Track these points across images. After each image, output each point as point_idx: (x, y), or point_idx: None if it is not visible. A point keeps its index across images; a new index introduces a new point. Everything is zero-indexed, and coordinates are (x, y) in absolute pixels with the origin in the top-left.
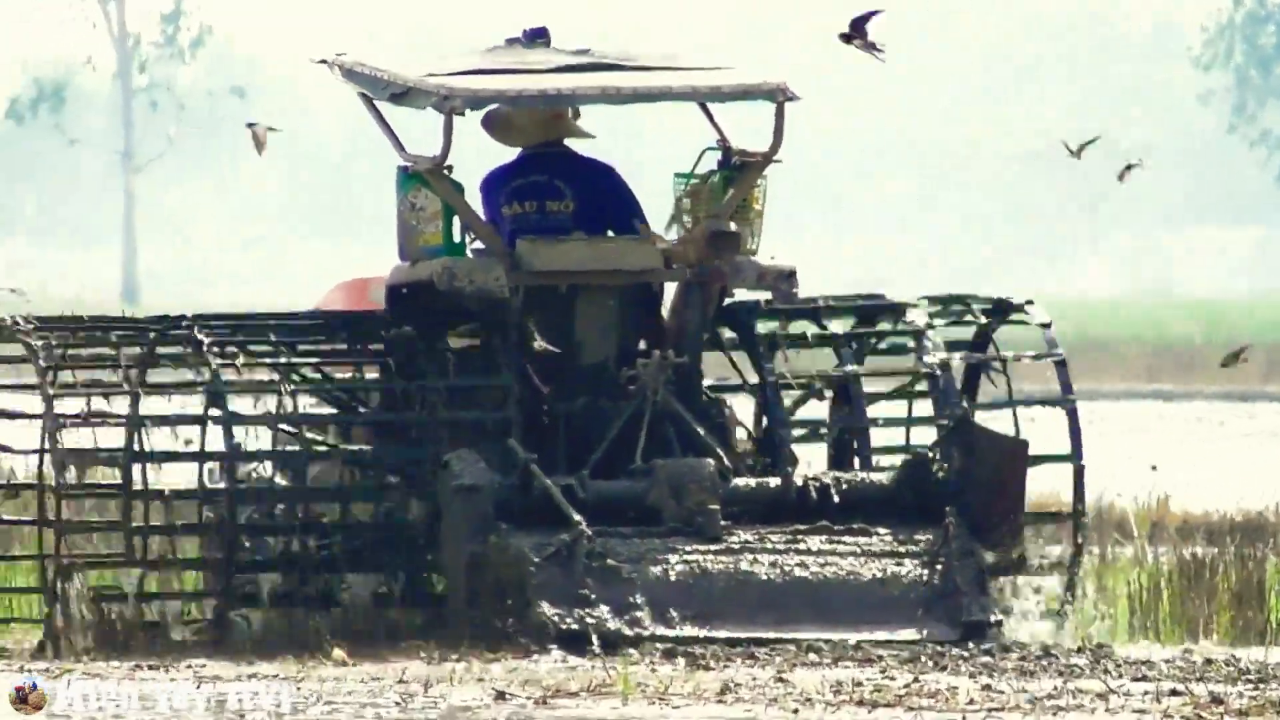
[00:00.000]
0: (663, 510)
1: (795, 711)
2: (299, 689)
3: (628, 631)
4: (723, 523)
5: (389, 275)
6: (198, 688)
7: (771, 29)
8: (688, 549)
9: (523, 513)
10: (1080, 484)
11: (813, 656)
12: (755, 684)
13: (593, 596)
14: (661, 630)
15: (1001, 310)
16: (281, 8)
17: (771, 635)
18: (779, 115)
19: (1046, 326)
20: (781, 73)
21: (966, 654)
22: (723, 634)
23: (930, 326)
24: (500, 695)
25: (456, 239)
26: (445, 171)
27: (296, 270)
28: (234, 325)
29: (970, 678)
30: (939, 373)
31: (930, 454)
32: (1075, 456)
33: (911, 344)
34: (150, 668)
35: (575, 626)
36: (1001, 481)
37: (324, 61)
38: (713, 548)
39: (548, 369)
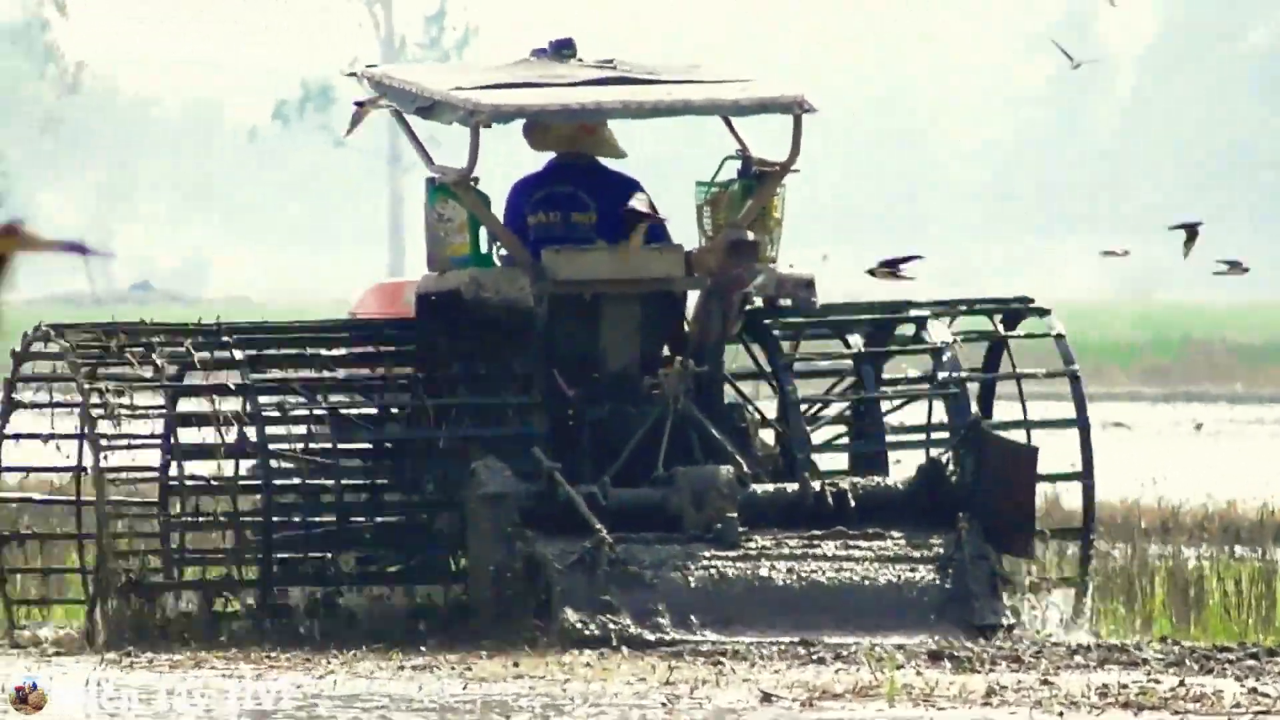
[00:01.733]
0: (683, 517)
1: (1060, 715)
2: (564, 690)
3: (649, 636)
4: (741, 529)
5: (419, 283)
6: (464, 688)
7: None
8: (707, 555)
9: (547, 519)
10: (1090, 502)
11: (1078, 659)
12: (1020, 687)
13: (615, 602)
14: (682, 635)
15: (1016, 317)
16: (546, 6)
17: (789, 639)
18: (797, 127)
19: (1061, 338)
20: (797, 81)
21: (1233, 657)
22: (743, 639)
23: (948, 345)
24: (766, 697)
25: (483, 249)
26: (472, 183)
27: None
28: (267, 334)
29: (1236, 680)
30: (955, 389)
31: (944, 460)
32: (1086, 475)
33: (930, 359)
34: (415, 668)
35: (598, 632)
36: (1012, 486)
37: (354, 74)
38: (731, 554)
39: (574, 375)
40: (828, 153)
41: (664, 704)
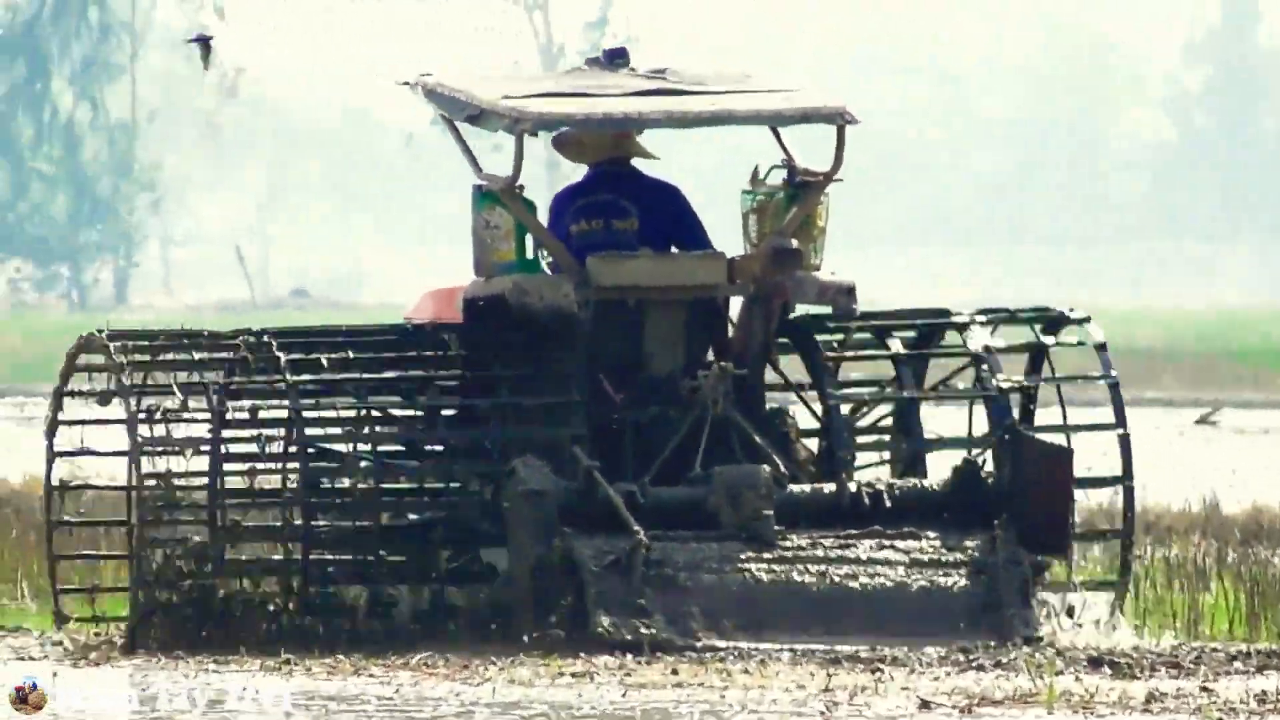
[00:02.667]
0: (720, 516)
1: None
2: (722, 697)
3: (680, 641)
4: (777, 528)
5: (466, 288)
6: (624, 695)
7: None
8: (742, 557)
9: (586, 518)
10: (1130, 503)
11: (1237, 665)
12: (1180, 694)
13: (648, 606)
14: (713, 640)
15: (1057, 325)
16: (703, 14)
17: (820, 645)
18: (840, 137)
19: (1102, 348)
20: (843, 93)
21: None
22: (772, 644)
23: (989, 351)
24: (925, 704)
25: (529, 255)
26: (518, 190)
27: None
28: (311, 340)
29: None
30: (996, 394)
31: (980, 461)
32: (1126, 478)
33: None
34: (575, 675)
35: (629, 637)
36: (1048, 487)
37: (407, 83)
38: (766, 555)
39: (618, 379)
40: (997, 154)
41: (822, 712)
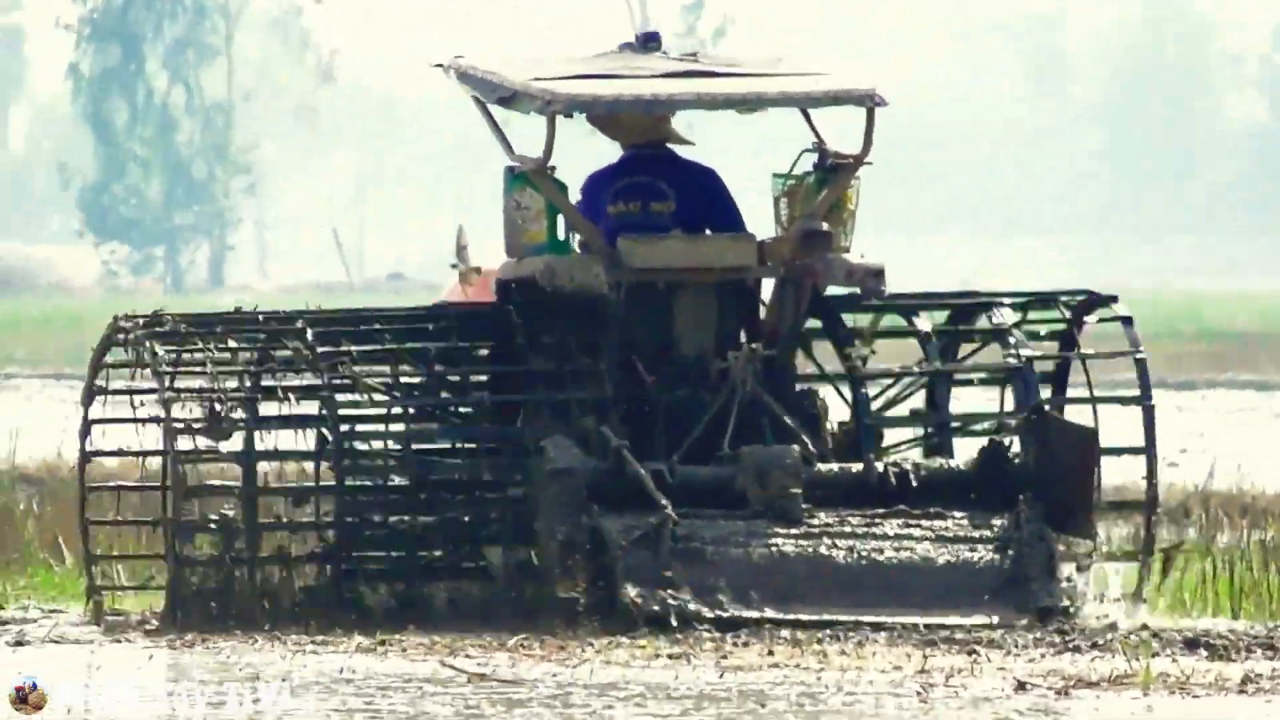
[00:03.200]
0: (748, 495)
1: None
2: (819, 678)
3: (708, 613)
4: (804, 506)
5: (498, 270)
6: (720, 676)
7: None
8: (769, 532)
9: (615, 496)
10: (1153, 473)
11: None
12: (1276, 675)
13: (676, 579)
14: (741, 612)
15: (1088, 307)
16: None
17: (846, 618)
18: (869, 120)
19: (1129, 322)
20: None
21: None
22: (799, 616)
23: (1017, 325)
24: (1021, 685)
25: (560, 237)
26: (549, 172)
27: None
28: (345, 322)
29: None
30: (1022, 368)
31: (1006, 442)
32: (1149, 448)
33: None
34: (672, 657)
35: (658, 609)
36: (1074, 468)
37: (440, 65)
38: (793, 531)
39: (650, 360)
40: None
41: (918, 692)
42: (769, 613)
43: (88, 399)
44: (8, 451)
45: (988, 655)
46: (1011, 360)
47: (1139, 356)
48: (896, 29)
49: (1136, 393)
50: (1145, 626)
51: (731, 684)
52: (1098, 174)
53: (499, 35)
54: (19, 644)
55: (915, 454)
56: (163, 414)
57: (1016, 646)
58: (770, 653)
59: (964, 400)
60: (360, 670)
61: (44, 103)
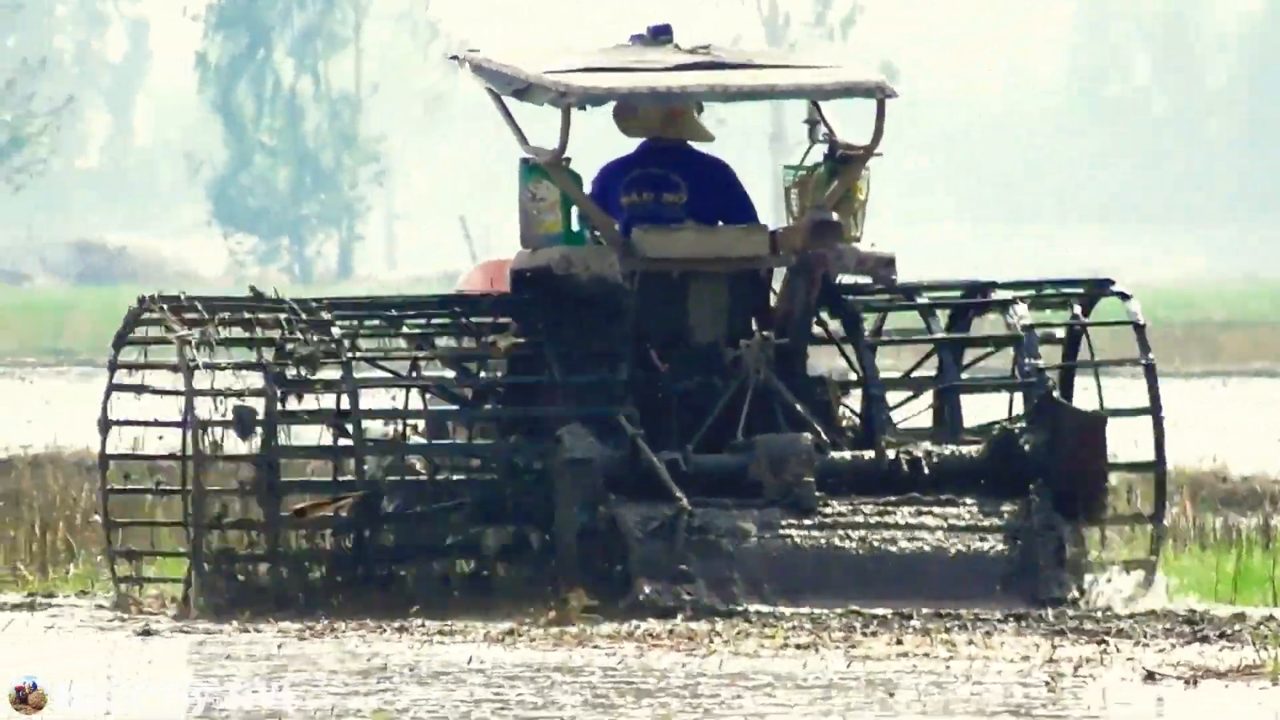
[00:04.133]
0: (762, 483)
1: None
2: (947, 667)
3: (721, 606)
4: (817, 494)
5: (513, 260)
6: (848, 665)
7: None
8: (783, 523)
9: (631, 485)
10: (1161, 439)
11: None
12: None
13: (691, 572)
14: (755, 605)
15: (1093, 297)
16: None
17: (859, 609)
18: (880, 111)
19: (1127, 298)
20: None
21: None
22: (811, 610)
23: (1030, 329)
24: (1150, 675)
25: (575, 228)
26: (564, 163)
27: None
28: (365, 308)
29: None
30: (1035, 380)
31: (1016, 429)
32: (1155, 410)
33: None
34: (799, 646)
35: (671, 602)
36: (1082, 453)
37: (455, 58)
38: (807, 521)
39: (663, 349)
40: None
41: (1047, 682)
42: (782, 607)
43: (111, 372)
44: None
45: (1116, 645)
46: (1025, 369)
47: (1149, 364)
48: (1024, 16)
49: (1142, 397)
50: (1271, 618)
51: (859, 673)
52: (1230, 159)
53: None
54: (146, 633)
55: (925, 440)
56: (184, 387)
57: (1145, 636)
58: (899, 642)
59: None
60: (488, 660)
61: (171, 93)
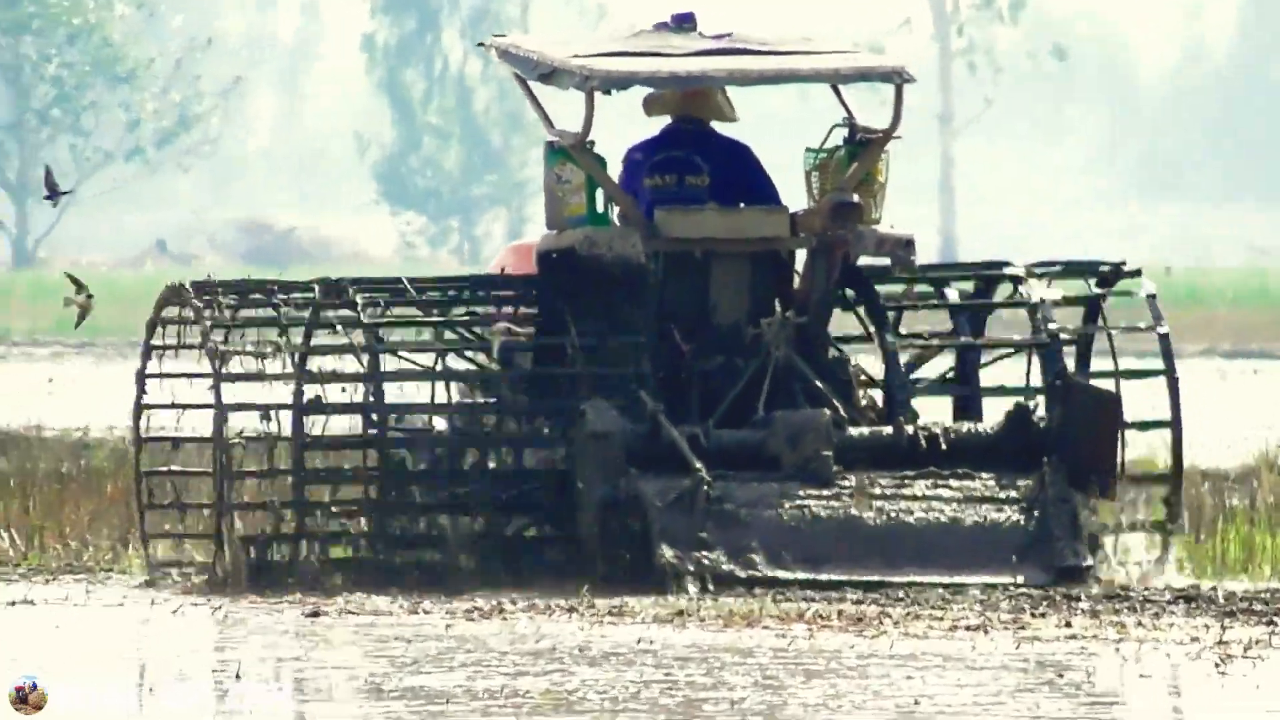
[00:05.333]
0: (780, 458)
1: None
2: (1117, 650)
3: (741, 574)
4: (835, 468)
5: (540, 242)
6: (1017, 647)
7: None
8: (801, 494)
9: (652, 459)
10: (1179, 451)
11: None
12: None
13: (710, 540)
14: (773, 573)
15: (1112, 279)
16: None
17: (876, 578)
18: (898, 95)
19: (1153, 298)
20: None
21: None
22: (830, 577)
23: (1044, 303)
24: None
25: (599, 209)
26: (588, 146)
27: (1108, 230)
28: (390, 288)
29: None
30: (1050, 341)
31: (1031, 406)
32: (1175, 424)
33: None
34: (969, 628)
35: (692, 569)
36: (1096, 431)
37: (482, 44)
38: (824, 493)
39: (686, 329)
40: None
41: (1217, 664)
42: (800, 574)
43: (144, 357)
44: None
45: None
46: (1039, 335)
47: (1163, 332)
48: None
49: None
50: None
51: (1029, 654)
52: None
53: (796, 6)
54: (315, 614)
55: (945, 416)
56: (212, 368)
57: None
58: (1068, 624)
59: (991, 367)
60: (658, 641)
61: (339, 74)
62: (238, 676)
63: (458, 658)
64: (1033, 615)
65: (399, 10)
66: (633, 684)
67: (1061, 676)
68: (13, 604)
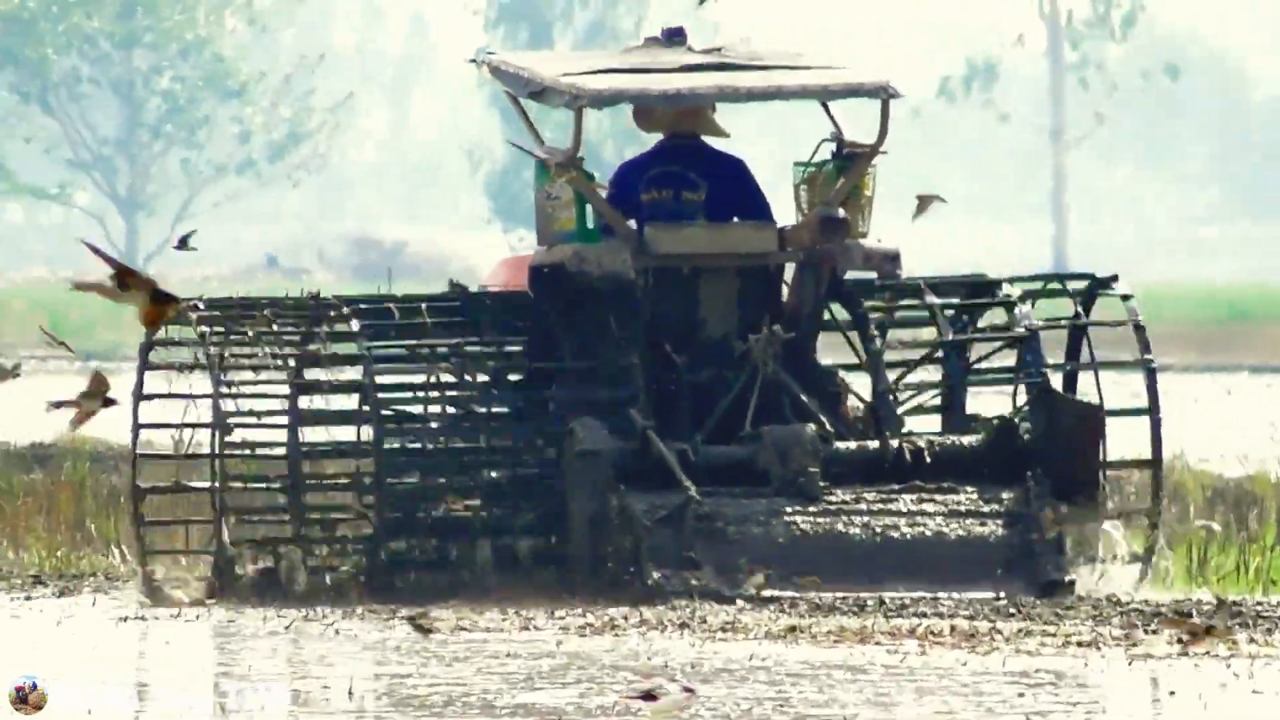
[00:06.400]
0: (769, 473)
1: None
2: (1228, 666)
3: (728, 591)
4: (823, 483)
5: (532, 257)
6: (1129, 665)
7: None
8: (789, 510)
9: (642, 474)
10: (1159, 482)
11: None
12: None
13: (698, 558)
14: (763, 590)
15: (1093, 290)
16: None
17: (864, 593)
18: (884, 111)
19: (1128, 298)
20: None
21: None
22: (819, 593)
23: (1022, 300)
24: None
25: (589, 225)
26: (578, 163)
27: (1219, 246)
28: (382, 306)
29: None
30: (1029, 334)
31: (1015, 419)
32: (1153, 411)
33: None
34: (1081, 644)
35: (681, 588)
36: (1079, 442)
37: (474, 61)
38: (812, 509)
39: (676, 343)
40: None
41: None
42: (788, 591)
43: (140, 375)
44: None
45: None
46: (1019, 331)
47: (1149, 365)
48: None
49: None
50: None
51: (1141, 671)
52: None
53: (908, 21)
54: (423, 630)
55: (932, 425)
56: (210, 387)
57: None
58: (1179, 640)
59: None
60: (770, 657)
61: (450, 88)
62: (350, 694)
63: (570, 674)
64: (1145, 631)
65: (512, 23)
66: (745, 700)
67: (1173, 694)
68: (124, 619)
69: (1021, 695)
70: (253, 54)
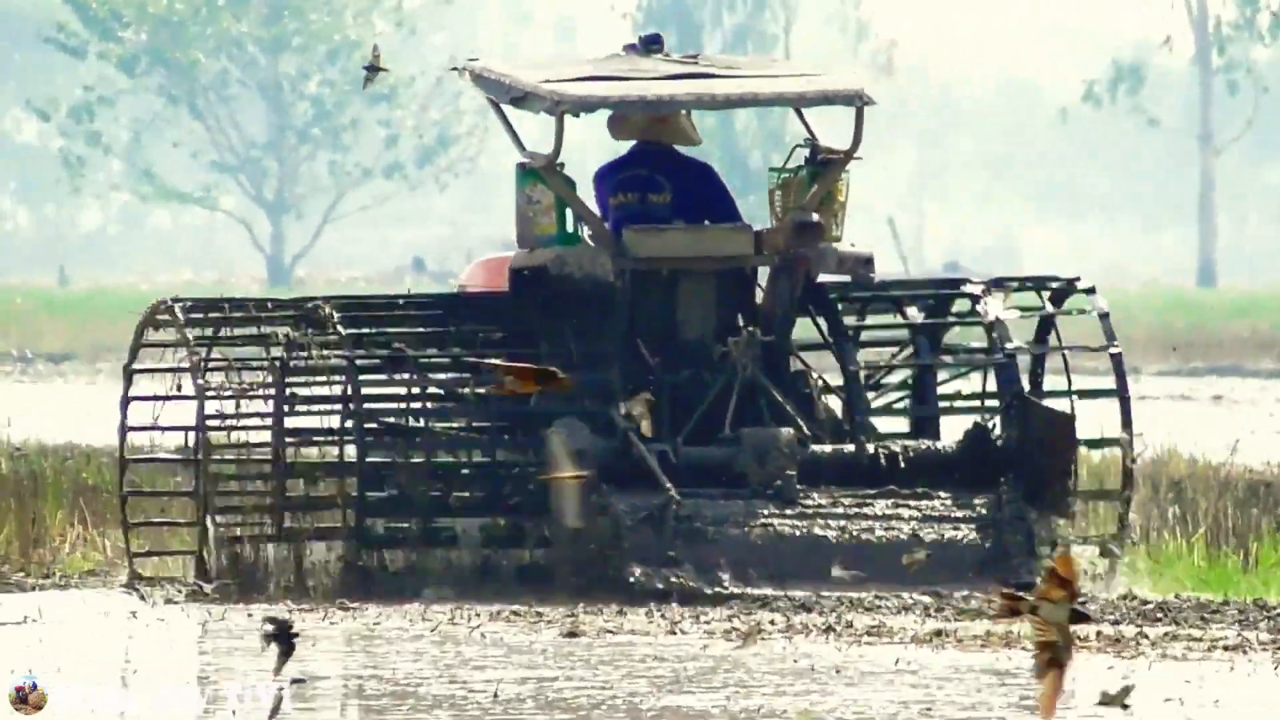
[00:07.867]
0: (747, 474)
1: None
2: (1277, 670)
3: (707, 590)
4: (800, 486)
5: (512, 259)
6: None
7: None
8: (766, 512)
9: (623, 476)
10: (1129, 468)
11: None
12: None
13: (679, 557)
14: (740, 589)
15: (1065, 295)
16: None
17: (840, 594)
18: (858, 118)
19: (1105, 317)
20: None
21: None
22: (795, 593)
23: (999, 321)
24: None
25: (569, 229)
26: (558, 168)
27: None
28: (365, 306)
29: None
30: (1005, 360)
31: (989, 425)
32: (1121, 391)
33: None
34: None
35: (661, 586)
36: (1052, 450)
37: (456, 68)
38: (789, 511)
39: (654, 345)
40: None
41: None
42: (767, 590)
43: (128, 378)
44: None
45: None
46: (997, 356)
47: (1115, 352)
48: None
49: (1111, 378)
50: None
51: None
52: None
53: (1054, 23)
54: (572, 634)
55: (904, 423)
56: (194, 387)
57: None
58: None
59: (950, 383)
60: (916, 661)
61: None
62: (495, 695)
63: (716, 677)
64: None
65: (660, 27)
66: (891, 704)
67: (1217, 704)
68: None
69: (1167, 700)
70: (401, 56)
